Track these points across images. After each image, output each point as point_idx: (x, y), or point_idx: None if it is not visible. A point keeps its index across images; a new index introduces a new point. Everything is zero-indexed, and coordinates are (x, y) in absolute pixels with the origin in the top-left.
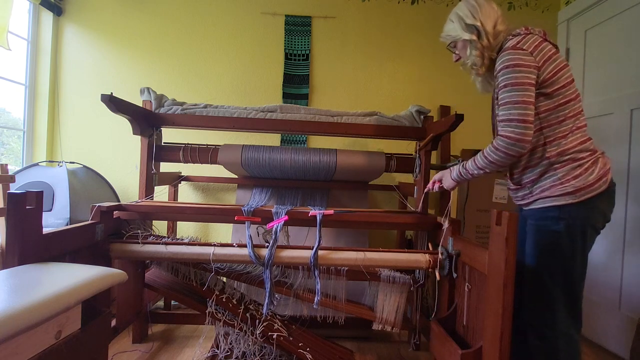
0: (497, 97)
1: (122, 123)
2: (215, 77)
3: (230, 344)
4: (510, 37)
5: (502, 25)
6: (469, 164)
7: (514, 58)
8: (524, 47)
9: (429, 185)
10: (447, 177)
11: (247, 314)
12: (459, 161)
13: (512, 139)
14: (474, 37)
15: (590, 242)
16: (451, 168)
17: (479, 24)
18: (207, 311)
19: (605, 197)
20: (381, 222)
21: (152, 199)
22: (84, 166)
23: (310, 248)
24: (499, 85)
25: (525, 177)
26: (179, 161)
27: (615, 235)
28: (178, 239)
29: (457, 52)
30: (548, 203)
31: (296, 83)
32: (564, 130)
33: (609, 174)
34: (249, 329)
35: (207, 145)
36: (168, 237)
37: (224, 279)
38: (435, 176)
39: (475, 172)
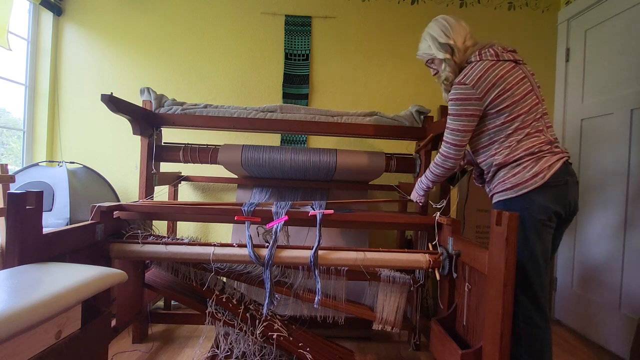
0: None
1: (122, 123)
2: (215, 77)
3: (230, 344)
4: (466, 63)
5: (470, 40)
6: (424, 179)
7: (457, 92)
8: (466, 82)
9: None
10: (414, 193)
11: (247, 314)
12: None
13: (444, 157)
14: (448, 56)
15: (535, 234)
16: (417, 183)
17: (452, 42)
18: (207, 311)
19: (545, 191)
20: (381, 222)
21: (152, 199)
22: (84, 166)
23: (310, 248)
24: (447, 113)
25: (484, 177)
26: (179, 161)
27: (616, 235)
28: (178, 239)
29: (434, 67)
30: (497, 198)
31: (296, 83)
32: (511, 141)
33: (548, 170)
34: (249, 329)
35: (207, 145)
36: (168, 237)
37: (224, 279)
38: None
39: (430, 184)
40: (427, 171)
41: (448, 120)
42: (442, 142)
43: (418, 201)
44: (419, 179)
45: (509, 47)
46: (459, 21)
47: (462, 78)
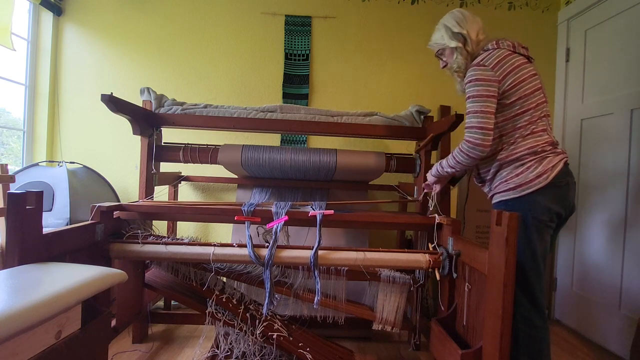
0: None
1: (122, 123)
2: (215, 77)
3: (230, 344)
4: (482, 51)
5: (482, 34)
6: (444, 162)
7: (476, 74)
8: (486, 64)
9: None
10: (427, 175)
11: (247, 314)
12: None
13: (472, 143)
14: (460, 44)
15: (537, 235)
16: (434, 167)
17: (465, 32)
18: (207, 311)
19: (547, 192)
20: (381, 222)
21: (152, 199)
22: (84, 166)
23: (310, 248)
24: (466, 97)
25: (484, 176)
26: (179, 161)
27: (616, 235)
28: (178, 239)
29: (444, 59)
30: (498, 198)
31: (296, 83)
32: (517, 136)
33: (551, 171)
34: (249, 329)
35: (207, 145)
36: (168, 237)
37: (224, 279)
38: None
39: (448, 169)
40: (450, 157)
41: (469, 105)
42: (465, 132)
43: (425, 188)
44: (438, 162)
45: (522, 43)
46: (474, 16)
47: (481, 61)
